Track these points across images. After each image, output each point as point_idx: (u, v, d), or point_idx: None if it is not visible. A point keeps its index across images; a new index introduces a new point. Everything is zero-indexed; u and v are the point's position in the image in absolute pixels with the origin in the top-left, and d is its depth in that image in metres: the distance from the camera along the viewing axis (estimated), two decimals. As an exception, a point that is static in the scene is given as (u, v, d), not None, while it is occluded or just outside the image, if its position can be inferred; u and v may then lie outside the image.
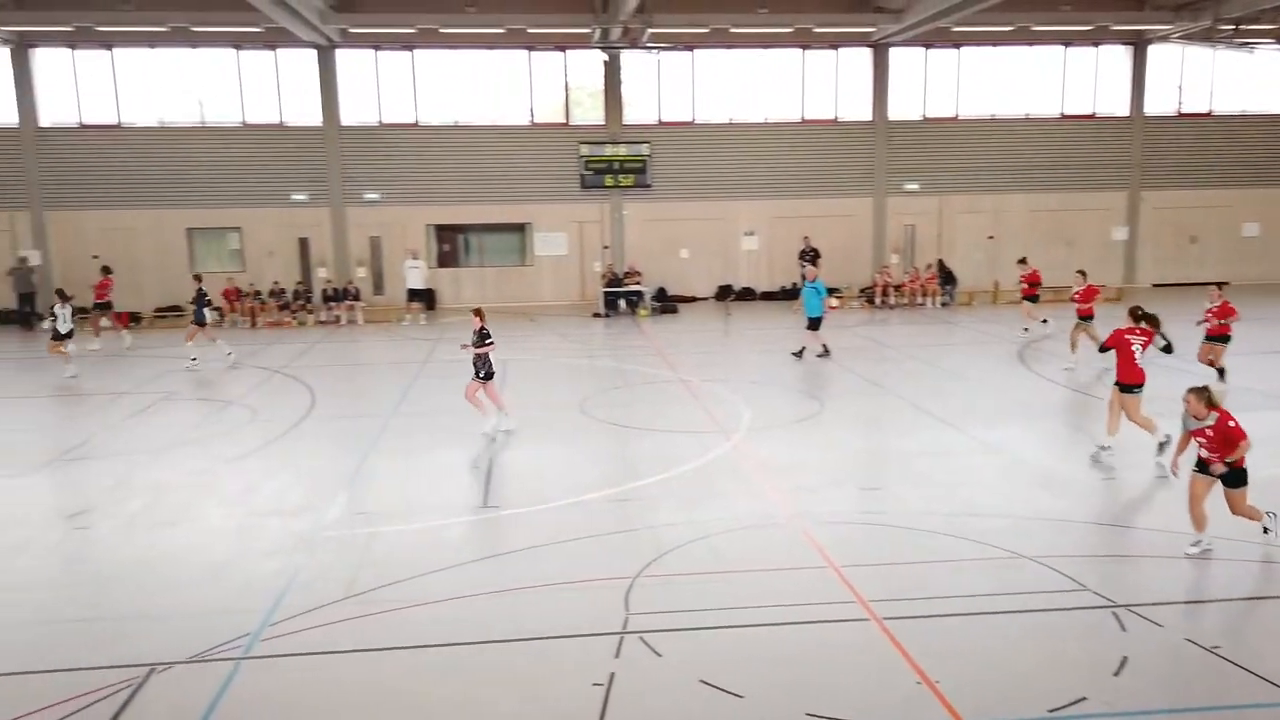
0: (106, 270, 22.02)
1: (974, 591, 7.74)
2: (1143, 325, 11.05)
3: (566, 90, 27.04)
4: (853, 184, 27.96)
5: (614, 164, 26.86)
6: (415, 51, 26.06)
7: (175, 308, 25.60)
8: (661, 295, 27.10)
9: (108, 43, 24.86)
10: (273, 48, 25.47)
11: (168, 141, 25.59)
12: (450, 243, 27.68)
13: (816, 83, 27.66)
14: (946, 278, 26.84)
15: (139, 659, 6.76)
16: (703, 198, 27.58)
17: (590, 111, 27.46)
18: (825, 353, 17.76)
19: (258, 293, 24.54)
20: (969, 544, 8.70)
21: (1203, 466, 8.25)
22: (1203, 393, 8.19)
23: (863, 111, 27.83)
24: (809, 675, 6.48)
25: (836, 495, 10.16)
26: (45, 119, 25.25)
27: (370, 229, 26.71)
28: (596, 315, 25.19)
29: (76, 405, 15.21)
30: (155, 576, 8.35)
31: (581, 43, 25.68)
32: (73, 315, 17.77)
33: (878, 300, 26.22)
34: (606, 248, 27.51)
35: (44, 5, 23.26)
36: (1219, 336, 14.56)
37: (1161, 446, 10.63)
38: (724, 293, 27.70)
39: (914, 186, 28.12)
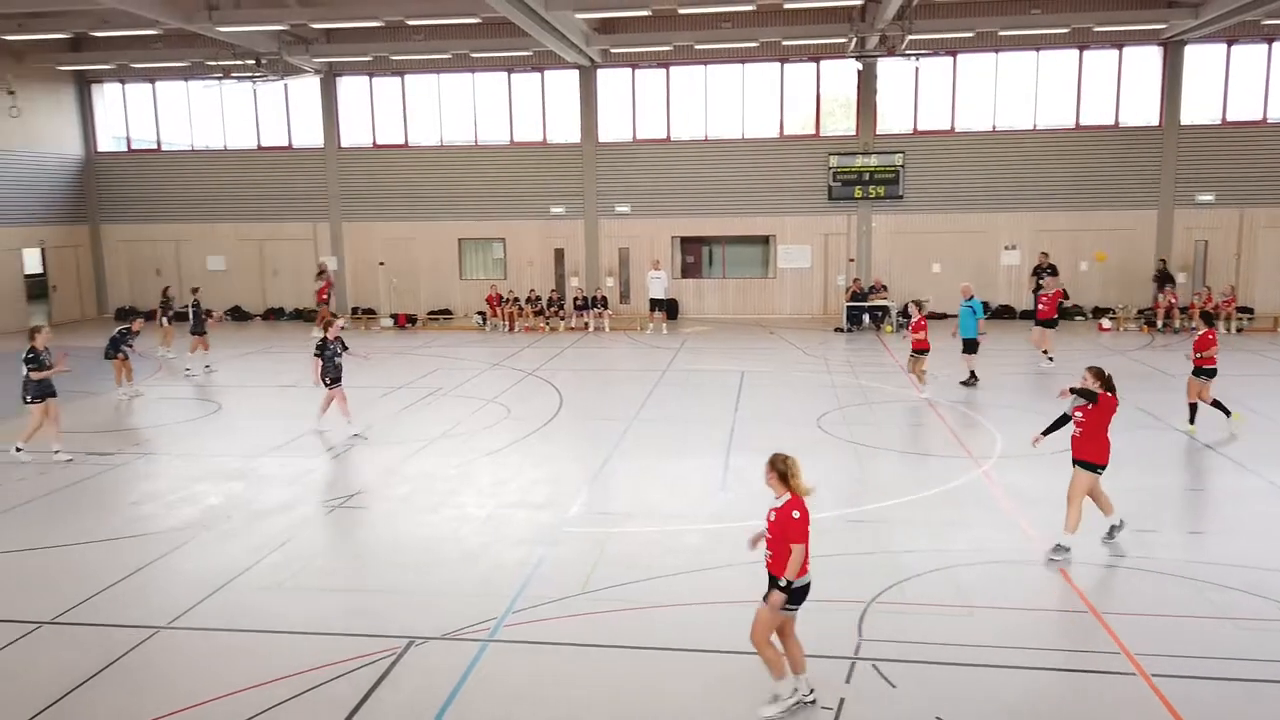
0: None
1: (1271, 656, 6.75)
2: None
3: (818, 101, 26.73)
4: (1134, 195, 25.50)
5: (864, 175, 26.19)
6: (670, 69, 26.80)
7: (446, 311, 27.93)
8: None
9: (400, 71, 27.58)
10: (540, 70, 27.15)
11: (446, 160, 27.98)
12: (694, 254, 28.16)
13: (1094, 85, 25.53)
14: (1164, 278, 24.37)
15: (400, 631, 7.36)
16: (959, 209, 26.25)
17: (841, 122, 26.98)
18: (971, 380, 16.66)
19: (516, 299, 26.20)
20: (1265, 602, 7.61)
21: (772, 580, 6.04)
22: (777, 464, 6.10)
23: (1149, 115, 25.34)
24: (1062, 729, 5.92)
25: (1102, 535, 9.24)
26: (345, 140, 28.42)
27: (619, 240, 27.75)
28: (838, 330, 24.65)
29: (361, 396, 16.90)
30: (416, 556, 9.09)
31: (836, 53, 25.30)
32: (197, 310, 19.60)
33: (1159, 323, 23.70)
34: (852, 261, 26.86)
35: (349, 39, 26.21)
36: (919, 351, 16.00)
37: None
38: (978, 310, 26.17)
39: (1208, 198, 25.19)
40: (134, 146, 29.57)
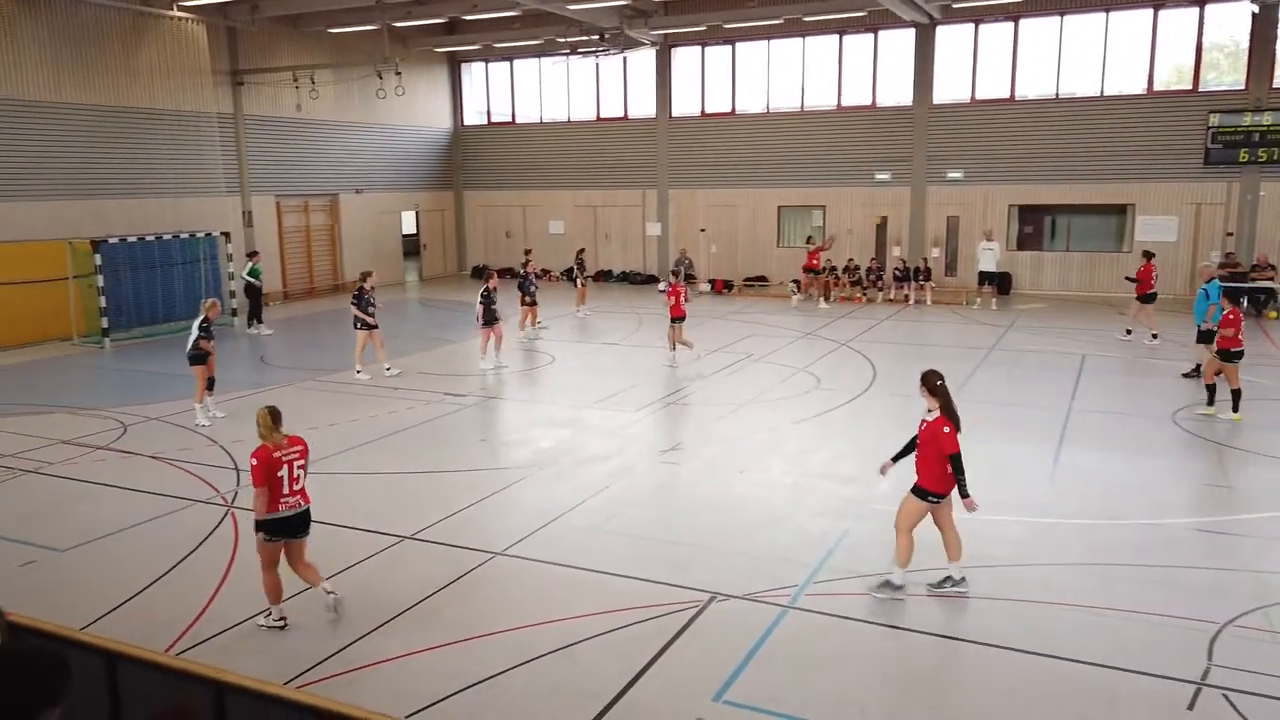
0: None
1: None
2: None
3: (1198, 51, 23.30)
4: None
5: (1254, 135, 22.51)
6: (1020, 21, 24.68)
7: (761, 278, 28.15)
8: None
9: (730, 39, 27.92)
10: (874, 30, 26.19)
11: (771, 126, 27.99)
12: (1034, 224, 25.91)
13: None
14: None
15: (703, 585, 7.61)
16: (1380, 175, 21.79)
17: (1226, 74, 23.37)
18: (1194, 374, 14.48)
19: (833, 268, 25.74)
20: None
21: None
22: (259, 421, 6.90)
23: None
24: None
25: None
26: (676, 110, 29.36)
27: (948, 208, 26.23)
28: (1206, 313, 21.55)
29: (680, 358, 17.55)
30: (722, 515, 9.32)
31: (1224, -7, 21.88)
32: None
33: None
34: (1230, 234, 23.31)
35: (684, 10, 26.95)
36: None
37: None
38: (1398, 297, 21.68)
39: None
40: (493, 120, 32.72)
